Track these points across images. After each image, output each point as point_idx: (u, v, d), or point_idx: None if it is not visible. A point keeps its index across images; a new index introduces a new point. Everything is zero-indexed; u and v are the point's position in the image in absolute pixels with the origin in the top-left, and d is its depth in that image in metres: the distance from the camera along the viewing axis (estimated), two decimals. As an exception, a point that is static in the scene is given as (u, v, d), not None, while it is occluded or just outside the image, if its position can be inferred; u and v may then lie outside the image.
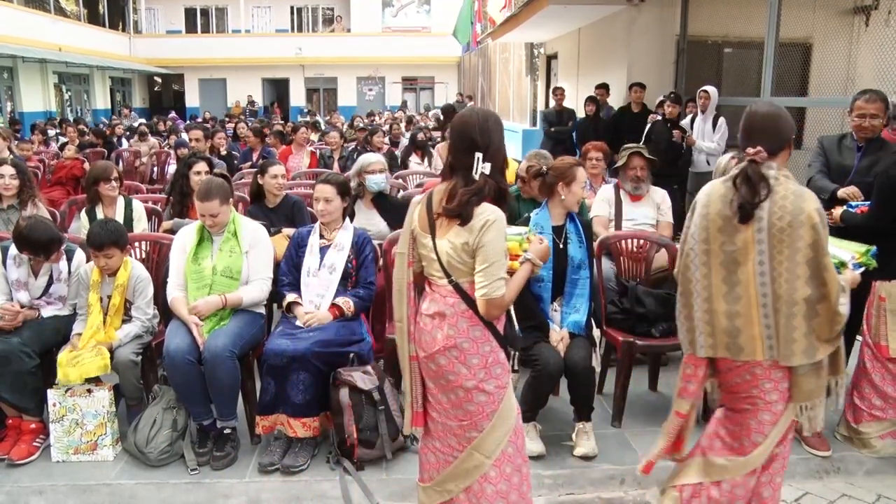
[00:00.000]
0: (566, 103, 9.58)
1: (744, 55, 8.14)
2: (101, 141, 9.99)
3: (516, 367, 2.45)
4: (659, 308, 3.59)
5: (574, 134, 9.02)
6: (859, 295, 3.00)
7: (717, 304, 2.35)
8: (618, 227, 4.34)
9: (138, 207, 4.43)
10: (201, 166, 4.72)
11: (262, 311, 3.58)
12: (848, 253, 2.50)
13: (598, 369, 3.37)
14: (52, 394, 3.25)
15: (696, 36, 8.09)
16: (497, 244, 2.20)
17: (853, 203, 3.39)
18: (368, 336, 3.49)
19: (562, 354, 3.19)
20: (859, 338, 3.43)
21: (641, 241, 4.01)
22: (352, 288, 3.50)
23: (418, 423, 2.44)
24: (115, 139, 11.46)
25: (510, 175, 5.84)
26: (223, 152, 7.57)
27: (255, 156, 7.95)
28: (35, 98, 19.93)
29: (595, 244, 3.77)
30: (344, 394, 3.16)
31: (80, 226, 4.28)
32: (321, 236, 3.57)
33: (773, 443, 2.39)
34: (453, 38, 19.46)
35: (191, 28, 28.17)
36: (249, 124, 11.30)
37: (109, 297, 3.40)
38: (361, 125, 12.10)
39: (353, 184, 4.30)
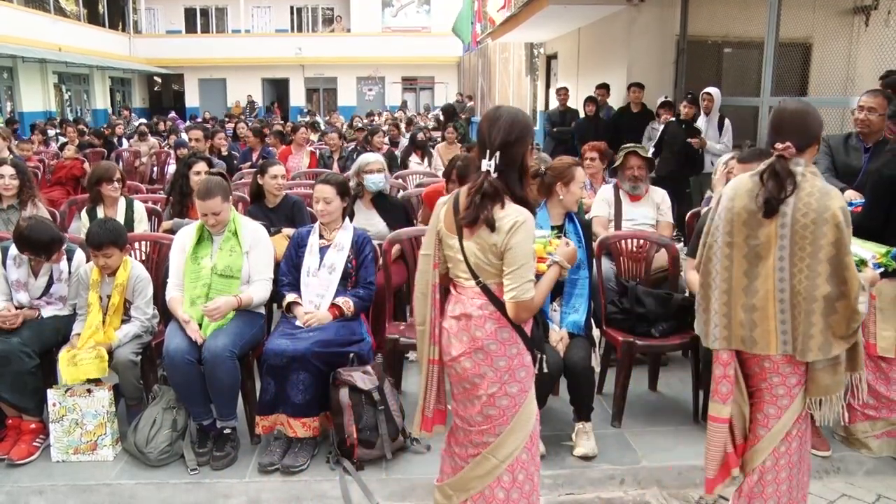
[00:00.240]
0: (571, 104, 9.57)
1: (744, 55, 8.14)
2: (101, 141, 9.99)
3: (545, 369, 2.41)
4: (659, 308, 3.59)
5: (574, 134, 9.03)
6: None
7: (736, 296, 2.35)
8: (617, 227, 4.35)
9: (139, 209, 4.43)
10: (201, 166, 4.72)
11: (262, 311, 3.58)
12: (869, 252, 2.51)
13: (597, 369, 3.37)
14: (51, 394, 3.25)
15: (696, 36, 8.09)
16: (526, 246, 2.16)
17: (852, 202, 3.39)
18: (368, 336, 3.49)
19: (561, 354, 3.19)
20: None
21: (641, 241, 4.01)
22: (351, 288, 3.50)
23: (426, 428, 2.42)
24: (115, 139, 11.45)
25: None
26: (224, 153, 7.58)
27: (254, 156, 7.96)
28: (35, 98, 19.93)
29: (595, 244, 3.78)
30: (344, 394, 3.16)
31: (81, 226, 4.28)
32: (321, 236, 3.57)
33: (776, 438, 2.39)
34: (454, 35, 19.44)
35: (191, 28, 28.16)
36: (249, 124, 11.30)
37: (109, 297, 3.40)
38: (360, 125, 12.11)
39: (351, 184, 4.30)
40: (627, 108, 8.16)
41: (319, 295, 3.46)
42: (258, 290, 3.43)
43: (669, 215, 4.49)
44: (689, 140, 6.69)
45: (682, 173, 6.90)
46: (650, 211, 4.43)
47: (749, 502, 2.45)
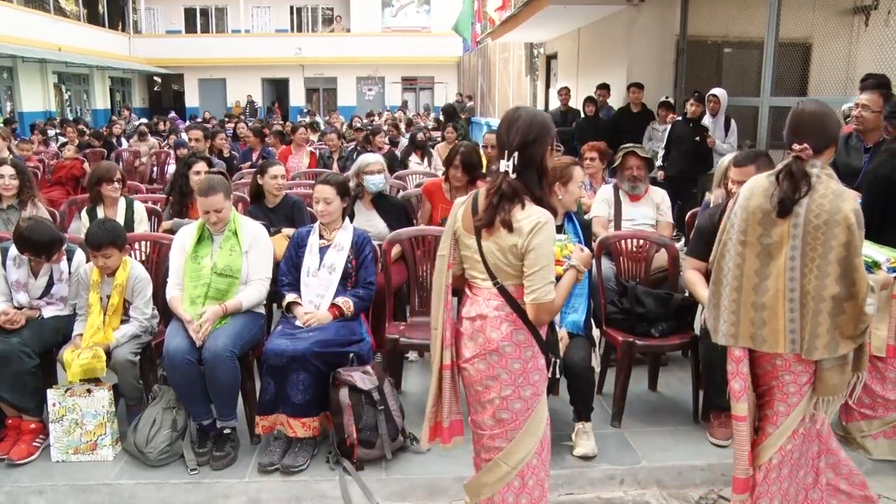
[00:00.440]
0: (571, 104, 9.57)
1: (744, 55, 8.13)
2: (100, 142, 9.99)
3: (558, 375, 2.39)
4: (658, 308, 3.59)
5: (574, 134, 9.03)
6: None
7: (746, 294, 2.37)
8: (617, 227, 4.35)
9: (139, 209, 4.43)
10: (201, 166, 4.72)
11: (262, 311, 3.58)
12: (883, 255, 2.51)
13: (597, 369, 3.37)
14: (51, 394, 3.25)
15: (696, 36, 8.09)
16: (547, 247, 2.13)
17: None
18: (368, 336, 3.49)
19: (561, 354, 3.19)
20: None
21: (641, 241, 4.01)
22: (351, 288, 3.51)
23: (445, 440, 2.39)
24: (113, 139, 11.44)
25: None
26: (225, 154, 7.58)
27: (254, 156, 7.96)
28: (35, 98, 19.93)
29: (594, 244, 3.78)
30: (344, 394, 3.16)
31: (81, 226, 4.28)
32: (321, 236, 3.57)
33: (783, 436, 2.40)
34: (455, 33, 19.42)
35: (190, 28, 28.16)
36: (249, 124, 11.30)
37: (109, 297, 3.40)
38: (359, 125, 12.11)
39: (351, 184, 4.30)
40: (627, 108, 8.16)
41: (319, 295, 3.46)
42: (251, 293, 3.43)
43: (669, 215, 4.50)
44: (705, 138, 6.64)
45: (691, 173, 6.89)
46: (650, 211, 4.44)
47: (755, 500, 2.46)
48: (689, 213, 4.51)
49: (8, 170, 4.33)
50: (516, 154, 2.14)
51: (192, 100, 27.67)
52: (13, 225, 3.65)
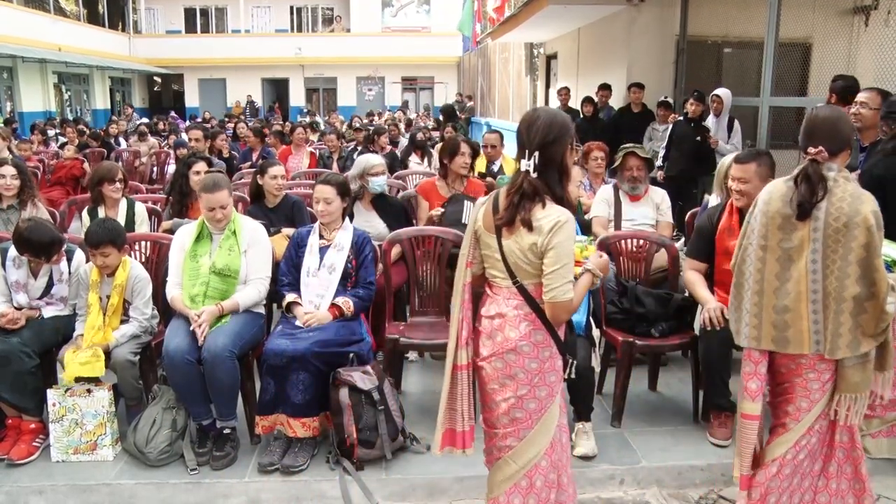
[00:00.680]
0: (570, 104, 9.56)
1: (744, 55, 8.13)
2: (97, 142, 9.98)
3: (573, 375, 2.39)
4: (658, 308, 3.59)
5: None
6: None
7: (767, 298, 2.41)
8: (617, 227, 4.35)
9: (141, 211, 4.43)
10: (201, 166, 4.73)
11: (262, 310, 3.58)
12: None
13: (597, 369, 3.37)
14: (51, 394, 3.25)
15: (696, 36, 8.09)
16: (567, 246, 2.14)
17: None
18: (368, 336, 3.49)
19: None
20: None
21: (641, 241, 4.01)
22: (351, 288, 3.51)
23: (464, 445, 2.37)
24: (111, 140, 11.43)
25: (509, 173, 5.88)
26: (225, 154, 7.58)
27: (254, 156, 7.96)
28: (35, 98, 19.93)
29: (595, 244, 3.77)
30: (343, 394, 3.16)
31: (81, 226, 4.27)
32: (321, 236, 3.58)
33: (801, 430, 2.43)
34: (459, 33, 19.44)
35: (190, 28, 28.17)
36: (249, 124, 11.30)
37: (108, 297, 3.40)
38: (358, 125, 12.11)
39: (355, 186, 4.31)
40: (628, 108, 8.16)
41: (319, 295, 3.46)
42: (250, 292, 3.42)
43: (669, 215, 4.50)
44: (707, 139, 6.63)
45: (692, 173, 6.88)
46: (650, 211, 4.44)
47: (765, 494, 2.47)
48: (689, 214, 4.51)
49: (9, 170, 4.33)
50: (537, 154, 2.17)
51: (192, 100, 27.67)
52: (13, 225, 3.65)
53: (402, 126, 13.11)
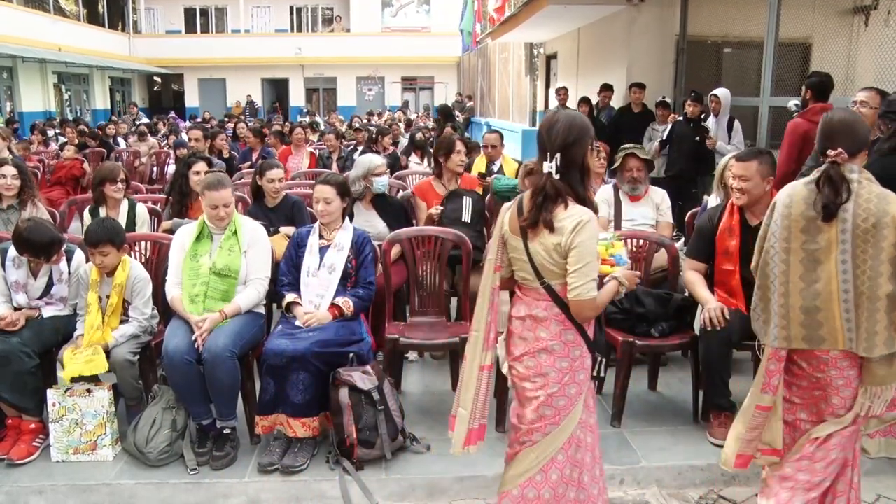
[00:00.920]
0: (569, 104, 9.56)
1: (744, 55, 8.13)
2: (96, 141, 9.98)
3: (602, 374, 2.43)
4: (658, 308, 3.59)
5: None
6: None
7: (793, 299, 2.43)
8: (617, 227, 4.35)
9: (142, 211, 4.43)
10: (201, 166, 4.72)
11: (262, 310, 3.58)
12: None
13: (602, 375, 3.37)
14: (51, 394, 3.25)
15: (696, 36, 8.09)
16: (590, 245, 2.19)
17: None
18: (368, 336, 3.49)
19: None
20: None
21: (641, 242, 4.01)
22: (351, 288, 3.51)
23: (469, 442, 2.41)
24: (110, 140, 11.42)
25: (509, 173, 5.88)
26: (225, 155, 7.58)
27: (254, 156, 7.96)
28: (35, 98, 19.94)
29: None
30: (343, 394, 3.16)
31: (81, 226, 4.27)
32: (321, 236, 3.58)
33: (843, 423, 2.47)
34: (461, 33, 19.45)
35: (190, 28, 28.18)
36: (249, 124, 11.31)
37: (108, 297, 3.40)
38: (358, 125, 12.12)
39: (358, 187, 4.32)
40: (628, 108, 8.15)
41: (319, 295, 3.46)
42: (250, 293, 3.42)
43: (669, 215, 4.50)
44: (705, 140, 6.64)
45: (692, 173, 6.88)
46: (650, 211, 4.44)
47: (798, 467, 2.51)
48: (689, 214, 4.51)
49: (10, 170, 4.34)
50: (558, 155, 2.21)
51: (191, 100, 27.68)
52: (13, 225, 3.64)
53: (402, 126, 13.12)
